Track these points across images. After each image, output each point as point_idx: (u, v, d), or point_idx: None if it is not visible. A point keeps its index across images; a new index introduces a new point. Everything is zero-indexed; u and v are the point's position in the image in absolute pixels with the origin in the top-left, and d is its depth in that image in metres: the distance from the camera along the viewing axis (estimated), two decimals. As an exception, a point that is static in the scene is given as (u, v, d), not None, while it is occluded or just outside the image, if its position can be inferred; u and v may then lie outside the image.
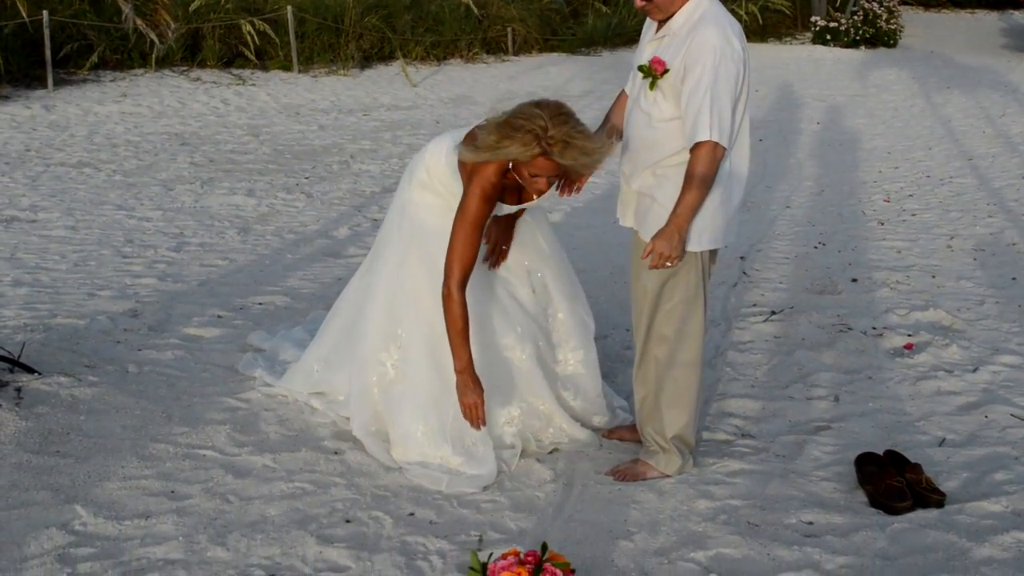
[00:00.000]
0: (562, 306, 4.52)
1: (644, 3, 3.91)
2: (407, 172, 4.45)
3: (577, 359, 4.55)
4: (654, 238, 3.87)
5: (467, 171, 3.98)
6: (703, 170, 3.81)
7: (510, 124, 3.74)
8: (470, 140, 3.94)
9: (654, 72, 3.91)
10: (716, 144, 3.80)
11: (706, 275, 4.09)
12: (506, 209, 4.19)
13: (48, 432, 4.32)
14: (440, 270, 4.01)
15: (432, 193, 4.28)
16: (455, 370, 4.00)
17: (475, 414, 3.99)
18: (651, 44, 4.01)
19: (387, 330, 4.37)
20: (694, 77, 3.80)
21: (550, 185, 3.94)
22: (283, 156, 11.22)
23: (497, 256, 4.40)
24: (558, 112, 3.75)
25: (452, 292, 3.93)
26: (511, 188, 4.06)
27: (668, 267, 3.90)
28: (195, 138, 12.07)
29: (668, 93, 3.90)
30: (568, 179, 4.02)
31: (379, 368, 4.40)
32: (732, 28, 3.89)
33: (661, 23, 3.99)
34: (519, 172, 3.85)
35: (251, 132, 12.56)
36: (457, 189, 4.08)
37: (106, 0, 15.26)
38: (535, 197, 4.14)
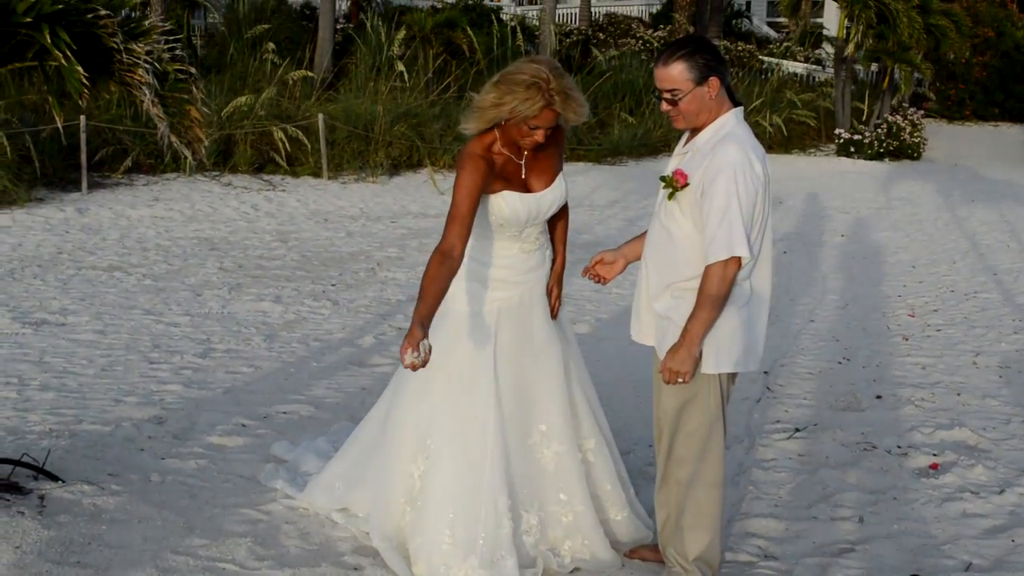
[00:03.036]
0: (576, 393, 4.49)
1: (669, 107, 3.94)
2: None
3: (588, 447, 4.51)
4: (666, 355, 3.91)
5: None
6: (713, 288, 3.83)
7: (510, 80, 3.87)
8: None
9: (675, 183, 3.93)
10: (727, 262, 3.81)
11: (725, 397, 4.09)
12: (524, 205, 4.18)
13: (69, 542, 4.32)
14: (464, 366, 4.14)
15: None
16: (412, 321, 3.82)
17: (405, 361, 3.76)
18: (676, 157, 4.06)
19: (415, 442, 4.36)
20: (711, 194, 3.82)
21: (545, 137, 4.05)
22: (311, 262, 11.34)
23: (554, 301, 4.44)
24: (553, 66, 3.96)
25: (442, 250, 3.93)
26: (511, 170, 4.12)
27: (680, 383, 3.91)
28: (224, 243, 12.23)
29: (686, 208, 3.93)
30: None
31: (407, 480, 4.38)
32: (755, 151, 3.90)
33: (689, 137, 4.05)
34: (510, 134, 3.98)
35: (280, 238, 12.72)
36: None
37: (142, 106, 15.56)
38: (543, 187, 4.21)
